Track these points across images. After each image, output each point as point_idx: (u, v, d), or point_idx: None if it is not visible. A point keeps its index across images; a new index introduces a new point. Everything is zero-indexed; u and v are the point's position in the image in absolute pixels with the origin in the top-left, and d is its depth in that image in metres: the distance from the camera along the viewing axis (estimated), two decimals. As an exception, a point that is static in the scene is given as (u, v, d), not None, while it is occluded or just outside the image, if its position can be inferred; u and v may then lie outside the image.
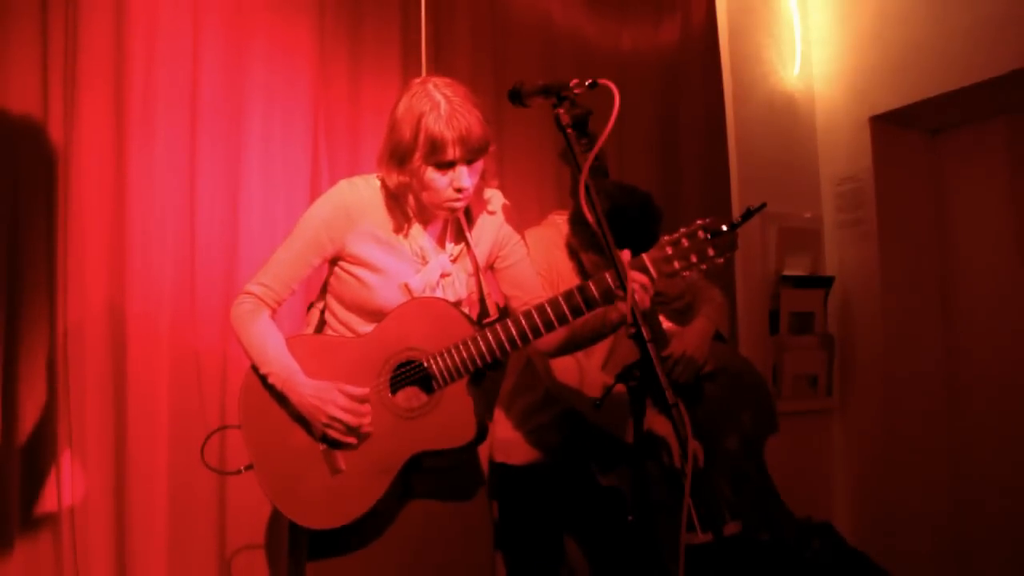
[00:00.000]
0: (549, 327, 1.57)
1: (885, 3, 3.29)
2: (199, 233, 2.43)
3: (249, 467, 1.69)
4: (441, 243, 1.75)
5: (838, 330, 3.56)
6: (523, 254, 1.82)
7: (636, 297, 1.46)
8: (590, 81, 1.49)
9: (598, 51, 3.13)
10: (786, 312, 3.44)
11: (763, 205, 1.51)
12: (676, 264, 1.50)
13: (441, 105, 1.56)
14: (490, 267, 1.81)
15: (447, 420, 1.59)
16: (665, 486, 2.08)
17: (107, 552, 2.26)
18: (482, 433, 1.64)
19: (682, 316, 2.35)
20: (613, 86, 1.42)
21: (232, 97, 2.49)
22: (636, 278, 1.49)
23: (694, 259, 1.49)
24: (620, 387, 1.85)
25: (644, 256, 1.52)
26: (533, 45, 2.99)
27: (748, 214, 1.48)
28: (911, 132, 3.47)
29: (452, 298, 1.71)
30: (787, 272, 3.48)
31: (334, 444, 1.63)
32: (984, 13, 2.87)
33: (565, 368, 2.11)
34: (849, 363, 3.54)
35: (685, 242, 1.49)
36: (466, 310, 1.75)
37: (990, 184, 3.32)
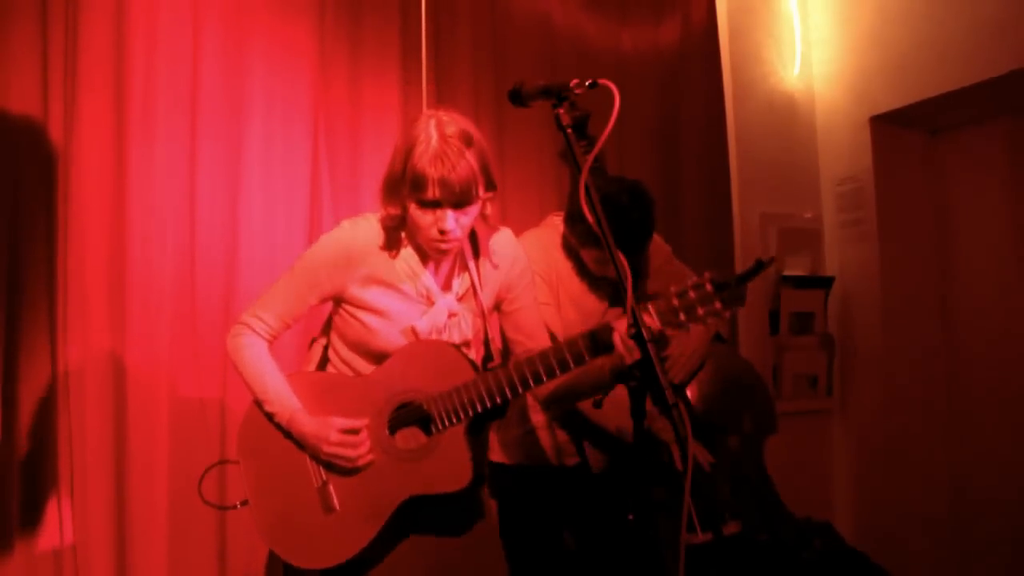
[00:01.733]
0: (550, 373, 1.55)
1: (885, 3, 3.28)
2: (199, 233, 2.43)
3: (245, 503, 1.68)
4: (448, 281, 1.71)
5: (838, 330, 3.56)
6: (531, 299, 1.78)
7: (631, 344, 1.43)
8: (590, 81, 1.49)
9: (598, 51, 3.13)
10: (786, 312, 3.44)
11: (772, 260, 1.46)
12: (682, 316, 1.45)
13: (432, 140, 1.52)
14: (496, 307, 1.77)
15: (443, 464, 1.57)
16: (665, 486, 2.08)
17: (108, 553, 2.26)
18: (478, 479, 1.61)
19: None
20: (613, 86, 1.42)
21: (232, 97, 2.49)
22: (623, 327, 1.43)
23: (700, 312, 1.43)
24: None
25: (650, 305, 1.47)
26: (533, 45, 2.99)
27: (758, 267, 1.45)
28: (911, 132, 3.47)
29: (458, 339, 1.68)
30: (787, 272, 3.48)
31: (337, 471, 1.61)
32: (984, 13, 2.87)
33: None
34: (849, 363, 3.54)
35: (692, 294, 1.44)
36: (471, 352, 1.72)
37: (990, 184, 3.32)
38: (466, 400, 1.56)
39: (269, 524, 1.64)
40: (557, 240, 2.23)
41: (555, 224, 2.27)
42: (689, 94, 3.29)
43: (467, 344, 1.71)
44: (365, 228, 1.66)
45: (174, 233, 2.40)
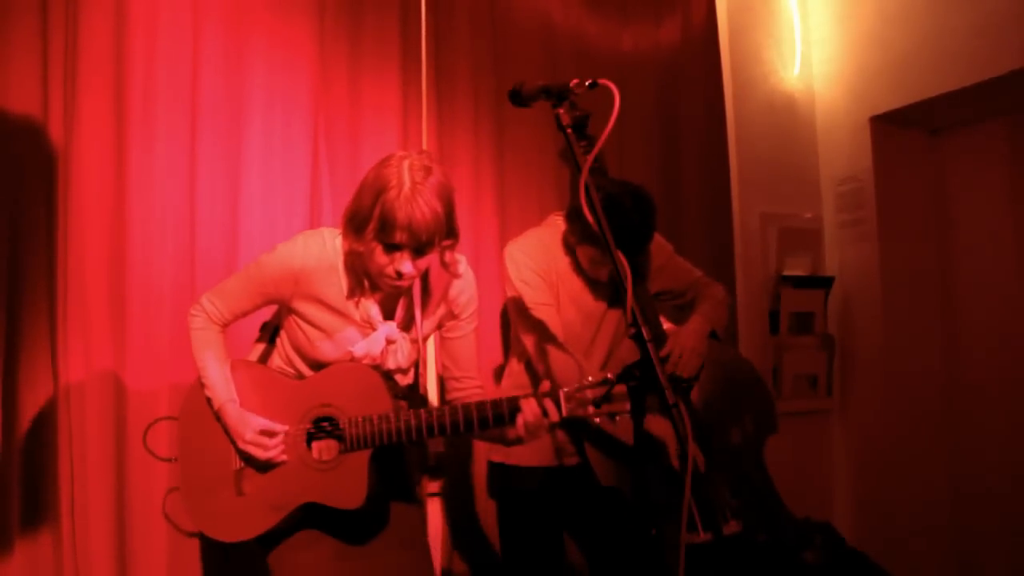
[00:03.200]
0: (456, 429, 1.68)
1: (885, 3, 3.29)
2: (199, 233, 2.43)
3: (175, 460, 1.84)
4: (391, 309, 1.79)
5: (838, 330, 3.56)
6: (469, 331, 1.88)
7: (531, 427, 1.63)
8: (590, 81, 1.50)
9: (598, 51, 3.13)
10: (786, 312, 3.44)
11: (675, 405, 1.52)
12: (590, 408, 1.62)
13: (404, 186, 1.55)
14: (438, 327, 1.87)
15: (342, 482, 1.69)
16: (665, 487, 2.08)
17: (108, 554, 2.26)
18: (373, 502, 1.72)
19: (684, 313, 2.35)
20: (613, 86, 1.42)
21: (232, 97, 2.49)
22: (531, 410, 1.63)
23: (606, 408, 1.61)
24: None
25: (561, 391, 1.64)
26: (533, 45, 2.99)
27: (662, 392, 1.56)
28: (911, 132, 3.47)
29: (394, 366, 1.78)
30: (787, 272, 3.48)
31: (253, 463, 1.74)
32: (984, 13, 2.87)
33: (565, 368, 2.11)
34: (849, 363, 3.54)
35: (607, 389, 1.60)
36: (407, 378, 1.84)
37: (990, 184, 3.32)
38: (378, 431, 1.68)
39: (188, 487, 1.80)
40: (558, 239, 2.23)
41: (556, 223, 2.27)
42: (689, 94, 3.28)
43: (403, 371, 1.82)
44: (317, 247, 1.72)
45: (174, 233, 2.40)
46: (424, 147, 2.76)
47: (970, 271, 3.41)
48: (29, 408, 2.22)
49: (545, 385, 1.67)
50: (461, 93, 2.83)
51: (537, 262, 2.18)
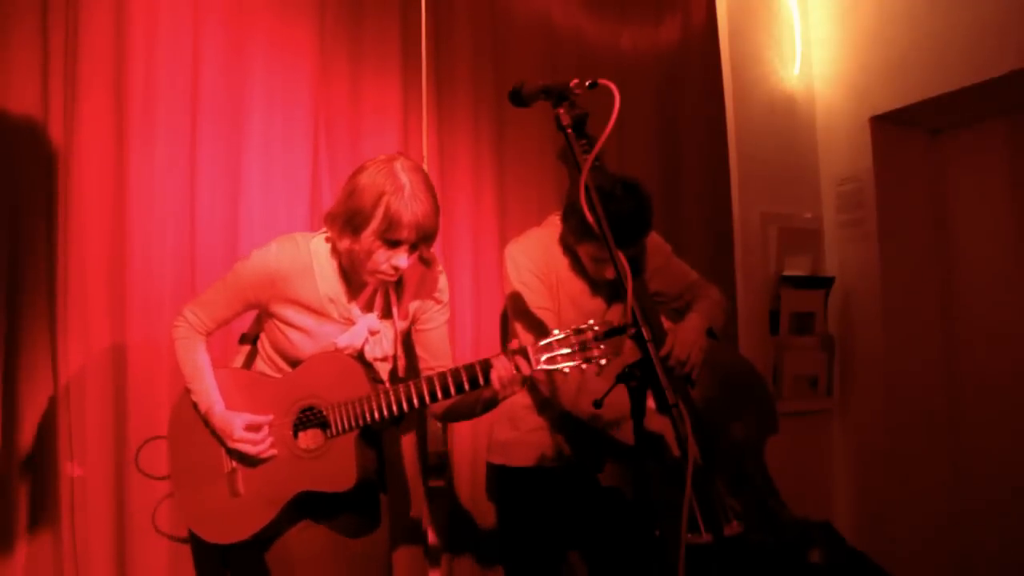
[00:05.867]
0: (433, 397, 1.73)
1: (885, 3, 3.29)
2: (199, 233, 2.43)
3: (167, 477, 1.93)
4: (370, 303, 1.88)
5: (838, 330, 3.56)
6: (441, 322, 1.97)
7: (506, 382, 1.68)
8: (590, 81, 1.50)
9: (598, 51, 3.13)
10: (786, 312, 3.44)
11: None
12: (558, 359, 1.66)
13: (405, 188, 1.66)
14: (412, 324, 1.97)
15: (332, 466, 1.75)
16: (666, 486, 2.08)
17: (108, 553, 2.26)
18: (364, 485, 1.79)
19: (682, 316, 2.35)
20: (613, 86, 1.43)
21: (232, 97, 2.49)
22: (504, 366, 1.68)
23: (577, 358, 1.66)
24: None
25: (528, 346, 1.68)
26: (533, 45, 2.99)
27: (624, 330, 1.61)
28: (911, 132, 3.47)
29: (380, 354, 1.87)
30: (787, 272, 3.48)
31: (244, 461, 1.81)
32: (984, 13, 2.87)
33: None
34: (849, 363, 3.54)
35: (573, 339, 1.66)
36: (386, 367, 1.91)
37: (990, 184, 3.32)
38: (359, 412, 1.74)
39: (185, 497, 1.86)
40: (557, 239, 2.23)
41: (556, 223, 2.27)
42: (689, 94, 3.28)
43: (386, 359, 1.90)
44: (291, 250, 1.81)
45: (174, 233, 2.40)
46: (424, 147, 2.76)
47: (970, 271, 3.41)
48: (29, 408, 2.22)
49: (514, 343, 1.72)
50: (461, 93, 2.83)
51: (537, 264, 2.18)
